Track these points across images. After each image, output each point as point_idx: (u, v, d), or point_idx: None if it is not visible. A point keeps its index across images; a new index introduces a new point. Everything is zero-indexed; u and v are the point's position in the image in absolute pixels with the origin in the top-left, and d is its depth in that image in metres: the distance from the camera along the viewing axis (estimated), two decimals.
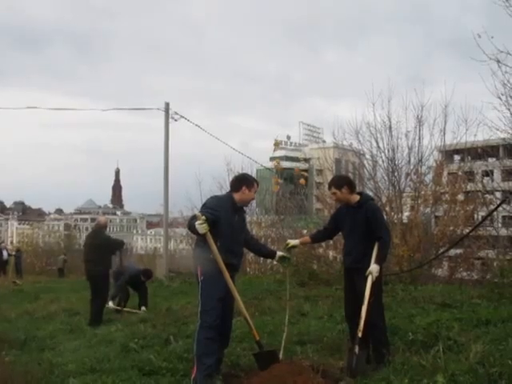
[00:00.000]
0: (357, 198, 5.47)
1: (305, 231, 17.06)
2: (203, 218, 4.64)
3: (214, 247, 4.75)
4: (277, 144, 14.99)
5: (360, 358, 4.98)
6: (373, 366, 5.10)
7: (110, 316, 9.93)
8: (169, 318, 8.51)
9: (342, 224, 5.60)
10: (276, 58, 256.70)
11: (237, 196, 5.18)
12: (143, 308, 10.43)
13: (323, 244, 15.24)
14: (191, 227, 4.75)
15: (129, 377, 5.25)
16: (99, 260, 9.40)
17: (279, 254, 5.60)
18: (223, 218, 4.93)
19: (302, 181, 16.36)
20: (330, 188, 5.59)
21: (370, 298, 5.07)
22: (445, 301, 8.29)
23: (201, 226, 4.61)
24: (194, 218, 4.81)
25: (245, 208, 5.45)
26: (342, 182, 5.53)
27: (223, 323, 5.02)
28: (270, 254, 5.72)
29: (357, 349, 4.99)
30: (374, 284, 5.12)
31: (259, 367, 4.93)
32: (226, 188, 24.67)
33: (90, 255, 9.59)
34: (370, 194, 15.53)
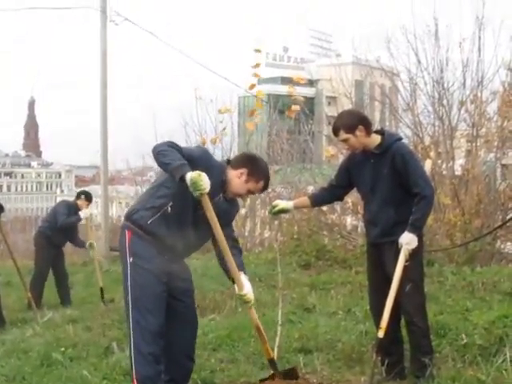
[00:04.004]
0: (377, 139, 5.36)
1: (310, 188, 17.08)
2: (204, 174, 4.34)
3: (214, 217, 4.52)
4: (258, 51, 14.17)
5: (377, 366, 5.07)
6: (410, 381, 5.19)
7: (23, 314, 9.96)
8: (110, 318, 8.55)
9: (357, 179, 5.55)
10: None
11: (228, 175, 4.94)
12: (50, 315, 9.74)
13: (338, 207, 15.29)
14: (162, 157, 4.48)
15: None
16: None
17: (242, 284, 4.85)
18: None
19: (293, 108, 15.58)
20: (336, 133, 5.40)
21: (403, 283, 5.12)
22: None
23: (199, 178, 4.28)
24: (168, 145, 4.55)
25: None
26: (353, 120, 5.35)
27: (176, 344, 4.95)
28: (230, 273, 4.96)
29: (374, 355, 5.09)
30: (410, 263, 5.15)
31: None
32: (193, 126, 24.31)
33: None
34: (408, 132, 15.55)
